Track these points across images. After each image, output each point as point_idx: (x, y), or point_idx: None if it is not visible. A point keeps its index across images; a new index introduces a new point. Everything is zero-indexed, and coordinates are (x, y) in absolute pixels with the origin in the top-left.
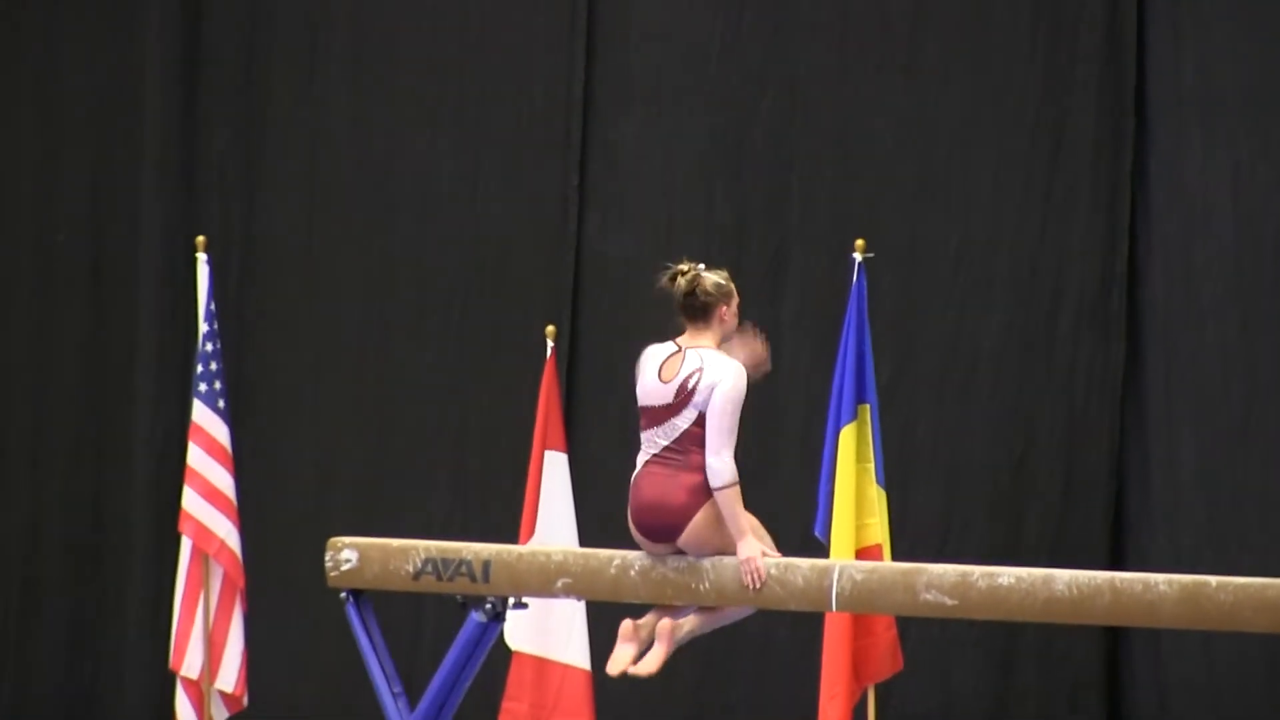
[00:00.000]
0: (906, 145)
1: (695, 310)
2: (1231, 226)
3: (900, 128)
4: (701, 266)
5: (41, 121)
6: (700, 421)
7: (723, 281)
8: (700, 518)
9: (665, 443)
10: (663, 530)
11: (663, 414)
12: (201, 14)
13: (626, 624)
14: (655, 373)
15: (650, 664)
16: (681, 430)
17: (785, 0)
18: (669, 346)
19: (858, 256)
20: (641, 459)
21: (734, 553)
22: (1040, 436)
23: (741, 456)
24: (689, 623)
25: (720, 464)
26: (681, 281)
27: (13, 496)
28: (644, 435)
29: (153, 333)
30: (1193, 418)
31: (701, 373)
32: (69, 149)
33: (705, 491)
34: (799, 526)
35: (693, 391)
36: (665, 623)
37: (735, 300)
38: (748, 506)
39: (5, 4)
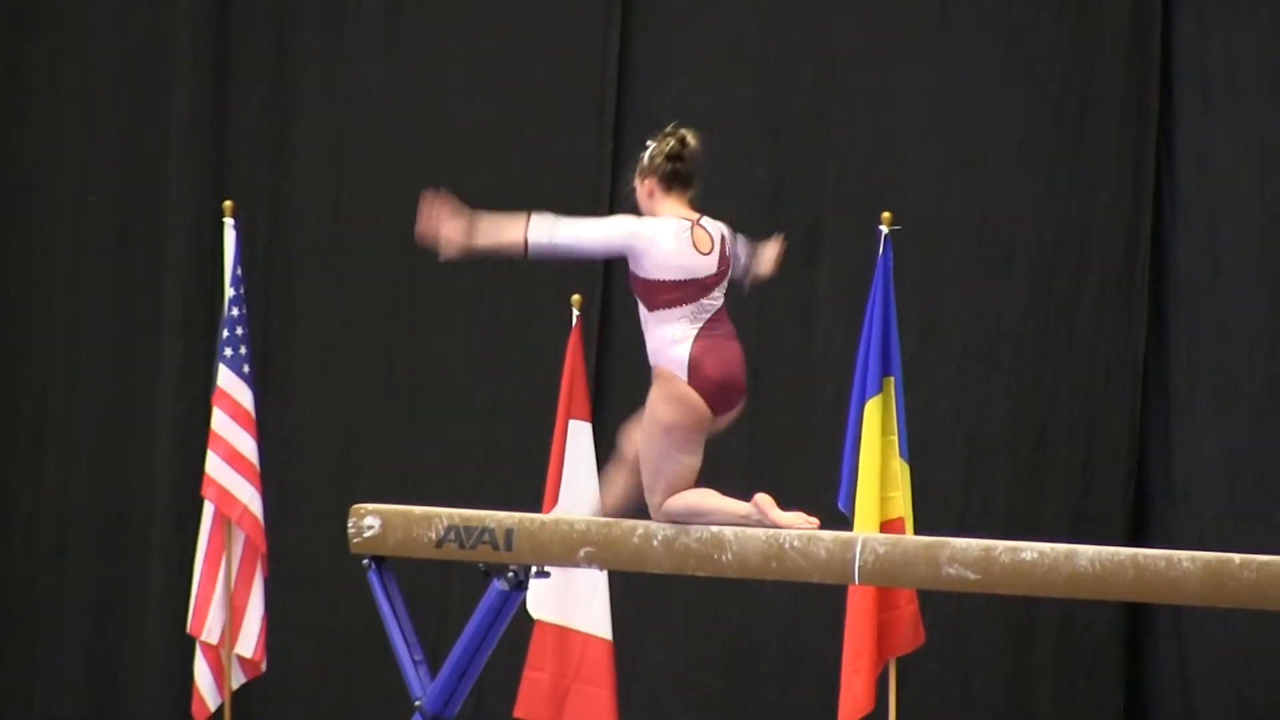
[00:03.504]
0: (934, 117)
1: (688, 177)
2: (1256, 203)
3: (929, 99)
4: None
5: (76, 83)
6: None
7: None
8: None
9: (713, 309)
10: (733, 401)
11: (710, 283)
12: None
13: (764, 499)
14: (690, 247)
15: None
16: (722, 297)
17: None
18: (679, 222)
19: (883, 229)
20: (685, 334)
21: None
22: (1061, 411)
23: (772, 428)
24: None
25: None
26: (673, 142)
27: (41, 461)
28: (685, 308)
29: (179, 296)
30: (1215, 394)
31: (725, 237)
32: (101, 111)
33: None
34: (828, 499)
35: (731, 256)
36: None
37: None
38: (781, 480)
39: None
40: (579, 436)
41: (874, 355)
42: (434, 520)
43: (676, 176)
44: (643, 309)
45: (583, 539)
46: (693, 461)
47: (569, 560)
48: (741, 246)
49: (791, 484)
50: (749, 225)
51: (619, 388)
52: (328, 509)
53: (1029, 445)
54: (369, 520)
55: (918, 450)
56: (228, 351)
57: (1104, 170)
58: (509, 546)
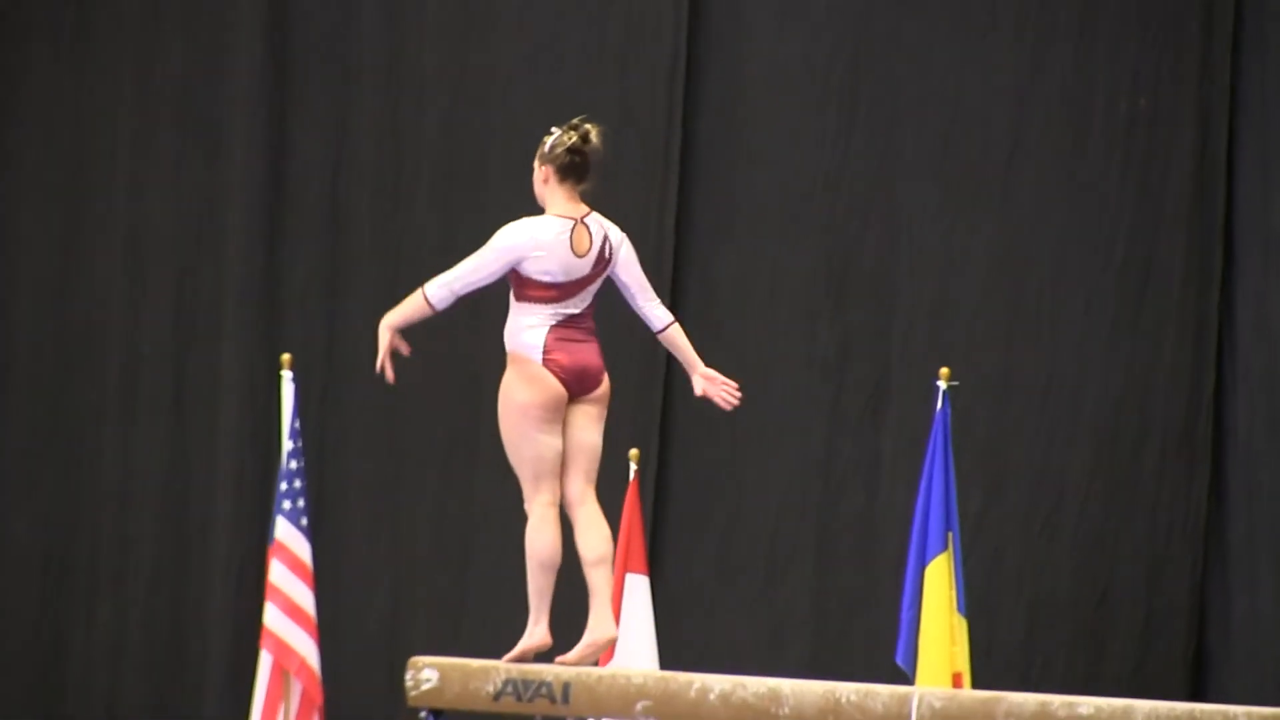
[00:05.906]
0: (1000, 279)
1: (583, 170)
2: None
3: (994, 259)
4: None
5: (130, 236)
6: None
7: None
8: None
9: (577, 310)
10: (588, 388)
11: (581, 284)
12: (284, 132)
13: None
14: (567, 249)
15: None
16: (591, 297)
17: (888, 134)
18: (562, 222)
19: (941, 385)
20: (542, 323)
21: None
22: (1123, 569)
23: (837, 584)
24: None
25: (664, 308)
26: (575, 137)
27: (95, 610)
28: (549, 306)
29: (233, 448)
30: (1274, 553)
31: (608, 239)
32: (155, 265)
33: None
34: (891, 655)
35: (610, 259)
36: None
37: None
38: (846, 635)
39: (95, 139)
40: (636, 590)
41: (935, 512)
42: (492, 673)
43: (572, 169)
44: (512, 295)
45: (640, 692)
46: (553, 441)
47: (626, 714)
48: (626, 250)
49: (861, 638)
50: (814, 384)
51: (676, 542)
52: (382, 661)
53: (1090, 604)
54: (427, 673)
55: (980, 607)
56: (286, 504)
57: (1166, 331)
58: (566, 700)
